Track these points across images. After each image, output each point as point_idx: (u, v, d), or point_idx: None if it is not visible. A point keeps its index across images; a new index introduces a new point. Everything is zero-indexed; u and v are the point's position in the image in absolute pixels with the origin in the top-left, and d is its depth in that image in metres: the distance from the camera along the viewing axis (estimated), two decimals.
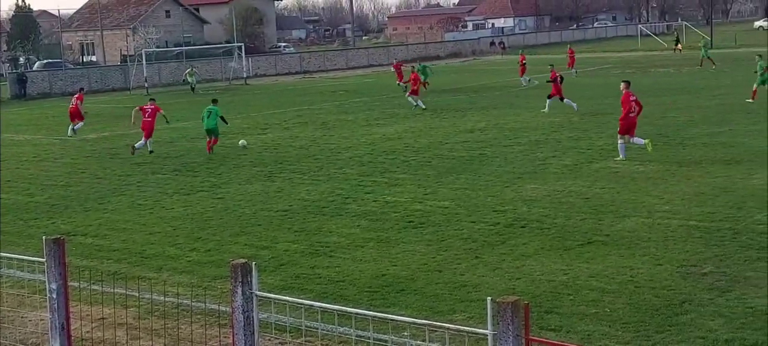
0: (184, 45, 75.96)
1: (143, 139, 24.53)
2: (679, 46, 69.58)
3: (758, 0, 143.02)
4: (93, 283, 10.67)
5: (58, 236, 7.17)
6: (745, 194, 15.30)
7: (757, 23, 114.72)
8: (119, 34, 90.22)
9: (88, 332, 9.24)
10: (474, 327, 6.86)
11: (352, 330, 8.83)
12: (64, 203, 17.88)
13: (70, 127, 30.43)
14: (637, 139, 19.91)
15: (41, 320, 9.55)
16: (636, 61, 61.96)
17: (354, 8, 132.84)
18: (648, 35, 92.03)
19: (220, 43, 78.12)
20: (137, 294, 10.78)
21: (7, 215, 16.82)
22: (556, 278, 11.07)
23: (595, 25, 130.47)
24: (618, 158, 19.61)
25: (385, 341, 8.17)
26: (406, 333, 9.02)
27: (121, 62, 71.33)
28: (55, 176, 21.47)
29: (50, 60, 73.26)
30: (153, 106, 25.36)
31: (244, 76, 59.04)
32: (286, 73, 68.91)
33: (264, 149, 24.58)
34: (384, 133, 26.94)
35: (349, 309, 6.75)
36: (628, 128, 19.85)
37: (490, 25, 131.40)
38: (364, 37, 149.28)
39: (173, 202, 17.41)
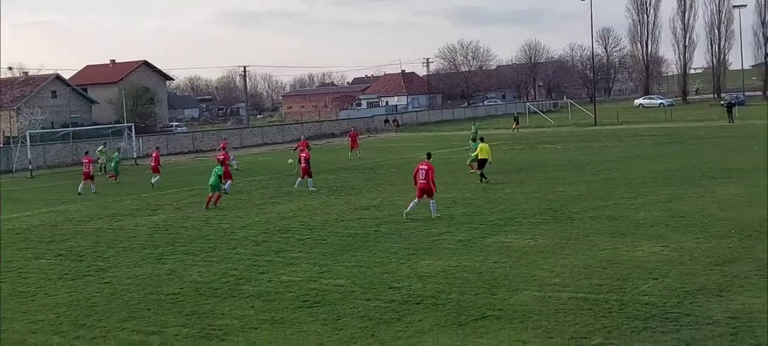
0: (70, 125, 74.03)
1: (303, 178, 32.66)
2: (516, 125, 72.83)
3: (638, 79, 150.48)
4: None
5: None
6: (631, 265, 15.78)
7: (638, 101, 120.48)
8: (2, 116, 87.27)
9: None
10: None
11: None
12: None
13: (154, 179, 38.09)
14: (432, 204, 23.36)
15: None
16: (526, 137, 63.89)
17: (248, 87, 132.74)
18: (535, 112, 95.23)
19: (110, 123, 76.56)
20: None
21: None
22: None
23: (486, 103, 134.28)
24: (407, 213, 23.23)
25: None
26: None
27: (4, 144, 68.77)
28: None
29: None
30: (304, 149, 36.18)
31: (135, 156, 57.84)
32: (178, 153, 67.90)
33: (155, 231, 23.96)
34: (279, 211, 26.72)
35: None
36: (422, 192, 23.36)
37: (384, 103, 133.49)
38: (258, 116, 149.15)
39: (57, 288, 16.68)
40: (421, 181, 23.47)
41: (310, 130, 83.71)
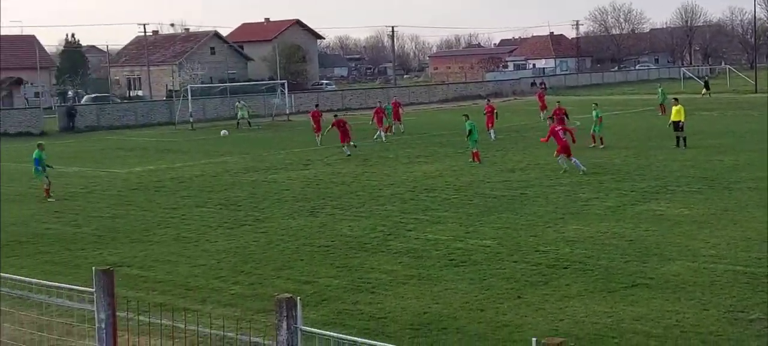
0: (228, 81, 77.05)
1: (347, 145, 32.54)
2: (705, 90, 69.06)
3: None
4: (140, 314, 10.80)
5: (107, 266, 7.29)
6: None
7: None
8: (165, 70, 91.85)
9: None
10: None
11: None
12: (110, 234, 18.18)
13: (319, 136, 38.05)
14: (576, 161, 24.56)
15: None
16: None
17: (395, 47, 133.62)
18: (690, 78, 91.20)
19: (264, 80, 79.14)
20: (183, 326, 10.89)
21: (55, 244, 17.15)
22: (600, 320, 10.98)
23: (637, 67, 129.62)
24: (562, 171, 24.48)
25: None
26: None
27: (166, 97, 72.51)
28: (102, 208, 21.83)
29: (98, 94, 74.84)
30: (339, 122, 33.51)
31: (287, 112, 59.62)
32: (328, 110, 69.26)
33: (306, 185, 24.77)
34: (425, 171, 27.00)
35: None
36: (563, 149, 24.84)
37: (531, 66, 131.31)
38: (405, 76, 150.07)
39: (217, 235, 17.61)
40: (563, 139, 24.99)
41: (456, 91, 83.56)
